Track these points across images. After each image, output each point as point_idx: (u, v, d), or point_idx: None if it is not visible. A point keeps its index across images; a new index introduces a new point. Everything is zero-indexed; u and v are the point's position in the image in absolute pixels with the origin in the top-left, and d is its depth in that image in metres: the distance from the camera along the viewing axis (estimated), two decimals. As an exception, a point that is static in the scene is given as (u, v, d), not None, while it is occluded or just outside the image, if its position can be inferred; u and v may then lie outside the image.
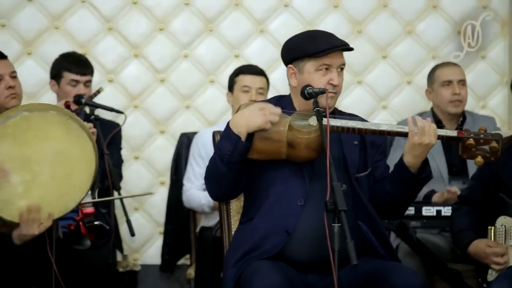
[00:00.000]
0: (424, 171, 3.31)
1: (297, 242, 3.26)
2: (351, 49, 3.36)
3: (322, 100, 3.25)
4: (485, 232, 3.77)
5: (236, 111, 3.35)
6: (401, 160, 3.30)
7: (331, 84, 3.32)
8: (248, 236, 3.31)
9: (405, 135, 3.29)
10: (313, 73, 3.33)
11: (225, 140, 3.23)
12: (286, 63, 3.41)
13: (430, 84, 5.02)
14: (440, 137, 3.33)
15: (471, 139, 3.29)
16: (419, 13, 5.94)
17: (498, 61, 5.98)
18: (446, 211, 4.46)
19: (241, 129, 3.20)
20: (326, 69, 3.32)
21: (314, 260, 3.26)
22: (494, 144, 3.30)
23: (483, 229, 3.78)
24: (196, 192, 4.79)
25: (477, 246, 3.76)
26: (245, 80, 4.83)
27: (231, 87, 4.90)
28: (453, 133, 3.33)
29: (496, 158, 3.31)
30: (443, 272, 4.50)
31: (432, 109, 5.03)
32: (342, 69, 3.37)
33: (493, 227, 3.76)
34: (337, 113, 3.39)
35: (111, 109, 4.62)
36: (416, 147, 3.25)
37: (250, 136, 3.22)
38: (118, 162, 4.82)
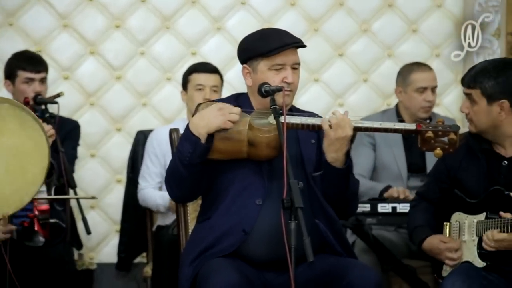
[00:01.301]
0: (345, 162, 3.32)
1: (255, 241, 3.26)
2: (304, 46, 3.35)
3: (279, 98, 3.26)
4: (441, 229, 3.81)
5: (194, 111, 3.34)
6: (324, 158, 3.31)
7: (286, 82, 3.31)
8: (205, 235, 3.30)
9: (371, 129, 3.35)
10: (266, 72, 3.32)
11: (185, 142, 3.23)
12: (241, 62, 3.41)
13: (402, 85, 4.98)
14: (400, 131, 3.39)
15: (429, 132, 3.33)
16: (374, 11, 5.97)
17: (452, 59, 6.02)
18: (402, 207, 4.50)
19: (201, 131, 3.21)
20: (280, 68, 3.32)
21: (271, 258, 3.26)
22: (452, 135, 3.34)
23: (440, 226, 3.82)
24: (151, 192, 4.77)
25: (431, 242, 3.78)
26: (199, 78, 4.83)
27: (185, 85, 4.89)
28: (412, 126, 3.36)
29: (454, 149, 3.35)
30: (398, 268, 4.54)
31: (396, 107, 5.05)
32: (296, 68, 3.35)
33: (448, 223, 3.79)
34: (294, 111, 3.40)
35: (52, 101, 4.58)
36: (334, 142, 3.27)
37: (210, 137, 3.22)
38: (71, 157, 4.77)
